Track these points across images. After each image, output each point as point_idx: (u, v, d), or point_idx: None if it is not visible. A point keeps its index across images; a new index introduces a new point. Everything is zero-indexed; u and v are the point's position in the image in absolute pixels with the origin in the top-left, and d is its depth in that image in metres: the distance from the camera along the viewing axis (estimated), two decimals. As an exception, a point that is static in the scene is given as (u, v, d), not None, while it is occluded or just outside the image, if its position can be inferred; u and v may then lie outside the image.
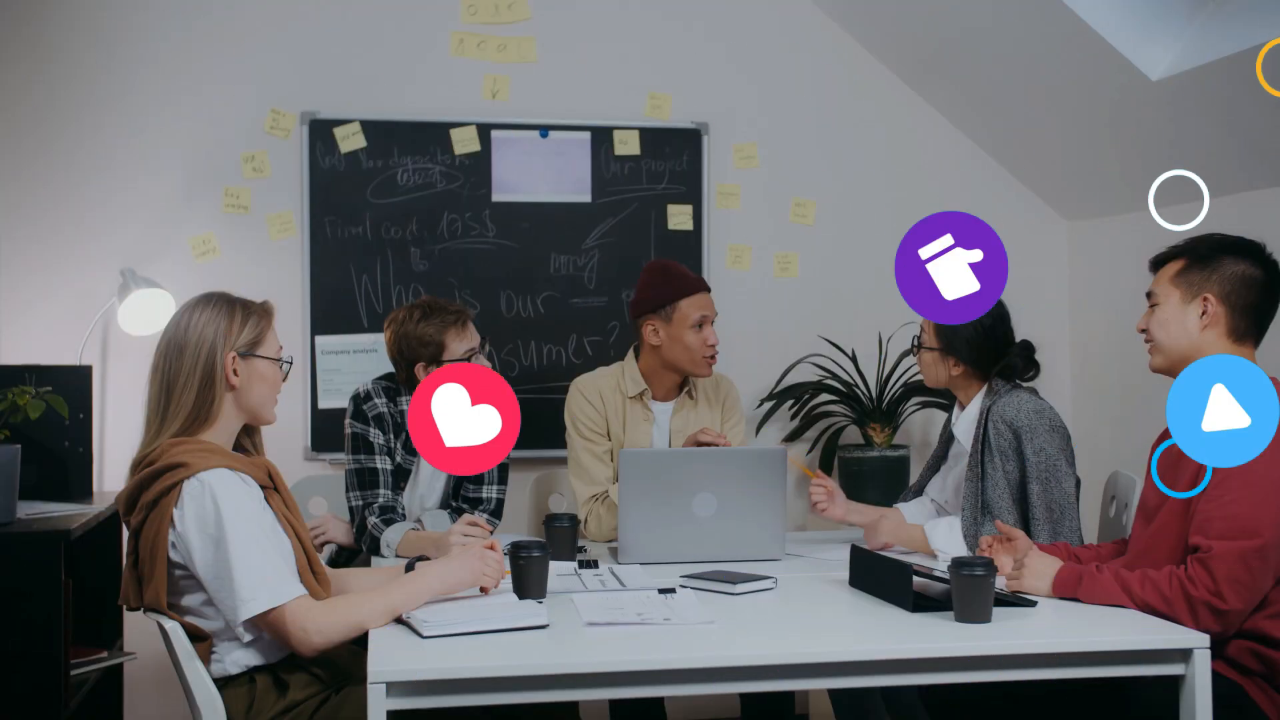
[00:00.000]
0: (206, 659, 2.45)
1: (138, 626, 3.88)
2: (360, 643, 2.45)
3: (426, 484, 3.51)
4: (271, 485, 2.57)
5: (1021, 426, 3.04)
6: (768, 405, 4.47)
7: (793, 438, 4.52)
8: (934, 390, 4.38)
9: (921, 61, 4.61)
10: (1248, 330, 2.64)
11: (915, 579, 2.52)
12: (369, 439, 3.38)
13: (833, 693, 3.34)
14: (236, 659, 2.47)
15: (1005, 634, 2.32)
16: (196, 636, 2.44)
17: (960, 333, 3.13)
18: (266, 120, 4.34)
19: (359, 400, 3.43)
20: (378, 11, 4.42)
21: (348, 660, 2.58)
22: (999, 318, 3.18)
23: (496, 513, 3.51)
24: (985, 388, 3.18)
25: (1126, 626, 2.37)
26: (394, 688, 2.12)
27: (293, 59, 4.37)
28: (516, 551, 2.58)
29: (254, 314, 2.59)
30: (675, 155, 4.56)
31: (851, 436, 4.51)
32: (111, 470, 4.13)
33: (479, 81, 4.49)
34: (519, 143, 4.47)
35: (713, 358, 3.51)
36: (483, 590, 2.58)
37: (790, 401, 4.48)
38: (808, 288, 4.69)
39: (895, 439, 4.45)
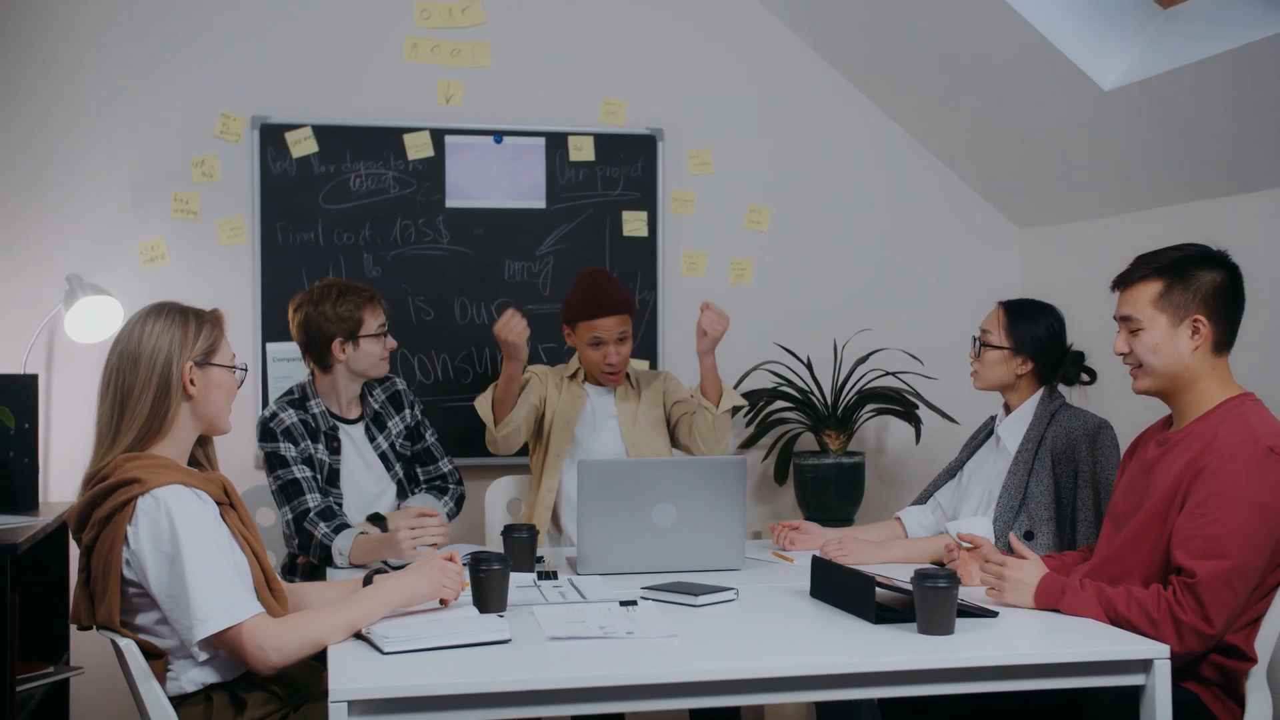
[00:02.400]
0: (162, 677, 2.40)
1: (84, 641, 3.80)
2: (319, 658, 2.42)
3: (361, 477, 3.55)
4: (227, 501, 2.52)
5: (1085, 438, 3.13)
6: (723, 412, 4.47)
7: (748, 444, 4.52)
8: (890, 397, 4.41)
9: (876, 69, 4.63)
10: (1226, 341, 2.65)
11: (878, 590, 2.52)
12: (280, 454, 3.40)
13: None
14: (193, 677, 2.43)
15: (968, 645, 2.33)
16: (151, 654, 2.40)
17: (1033, 332, 3.23)
18: (216, 124, 4.28)
19: (263, 423, 3.46)
20: (330, 15, 4.38)
21: (305, 676, 2.54)
22: (1061, 324, 3.30)
23: (460, 481, 3.66)
24: (1042, 392, 3.26)
25: (1088, 638, 2.39)
26: (355, 706, 2.09)
27: (243, 62, 4.31)
28: (476, 564, 2.55)
29: (207, 322, 2.56)
30: (630, 161, 4.54)
31: (807, 443, 4.51)
32: (58, 481, 4.05)
33: (433, 86, 4.45)
34: (473, 148, 4.44)
35: (612, 374, 3.72)
36: (443, 602, 2.55)
37: (745, 408, 4.48)
38: (763, 294, 4.69)
39: (850, 446, 4.45)
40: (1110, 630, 2.42)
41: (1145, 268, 2.68)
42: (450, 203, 4.43)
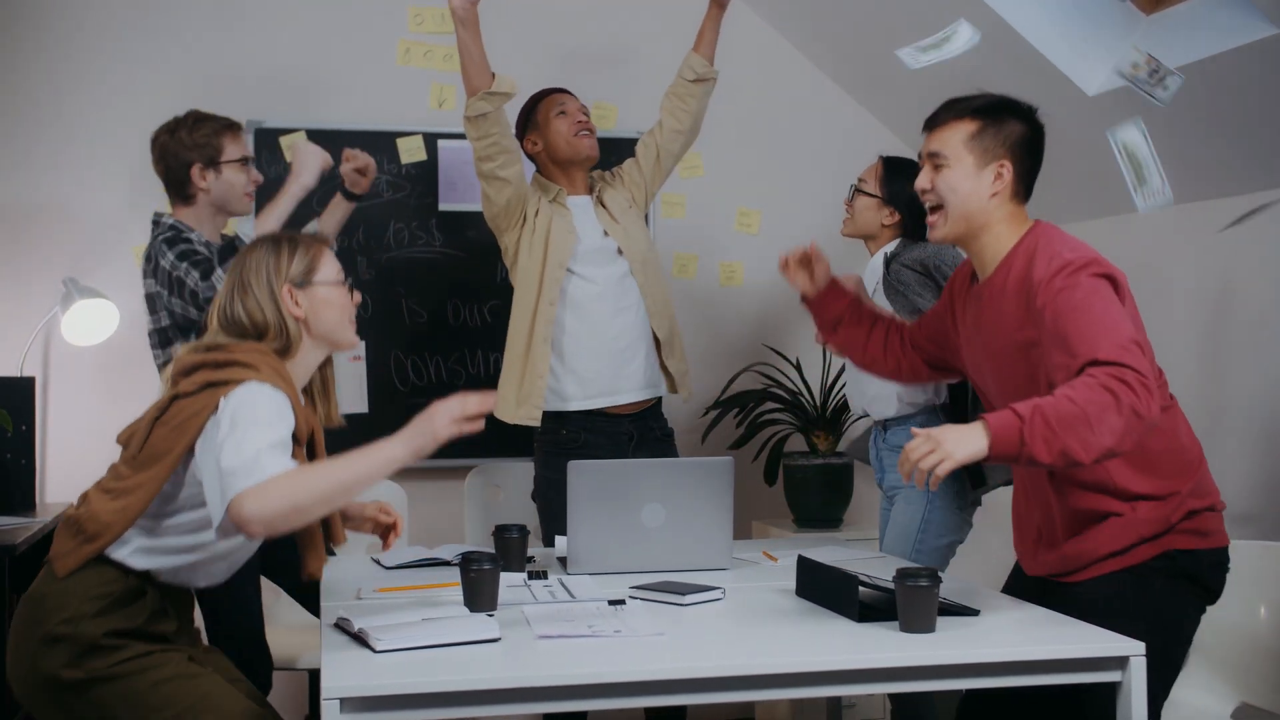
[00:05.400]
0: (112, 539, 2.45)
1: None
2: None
3: None
4: (304, 444, 2.55)
5: (928, 258, 3.35)
6: (713, 414, 4.51)
7: (738, 445, 4.56)
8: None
9: (864, 73, 4.67)
10: (1025, 191, 2.70)
11: (861, 589, 2.56)
12: (199, 251, 3.30)
13: (893, 697, 3.49)
14: (135, 555, 2.48)
15: (949, 644, 2.36)
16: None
17: (906, 189, 3.35)
18: (211, 129, 4.31)
19: (170, 239, 3.31)
20: (324, 20, 4.42)
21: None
22: None
23: None
24: (896, 241, 3.51)
25: (1066, 635, 2.43)
26: (347, 703, 2.12)
27: (238, 67, 4.35)
28: (468, 564, 2.59)
29: (301, 245, 2.63)
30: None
31: (796, 444, 4.56)
32: (55, 483, 4.10)
33: (426, 90, 4.49)
34: (466, 152, 4.43)
35: (586, 131, 3.82)
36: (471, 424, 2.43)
37: (735, 410, 4.53)
38: (753, 296, 4.74)
39: (839, 447, 4.50)
40: (1088, 628, 2.45)
41: (959, 109, 2.69)
42: (443, 206, 4.47)
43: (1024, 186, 2.70)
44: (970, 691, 2.72)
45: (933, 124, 2.73)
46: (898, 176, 3.50)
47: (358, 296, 3.16)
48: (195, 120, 3.43)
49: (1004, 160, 2.65)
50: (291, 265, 2.59)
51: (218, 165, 3.40)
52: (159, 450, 2.44)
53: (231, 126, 3.46)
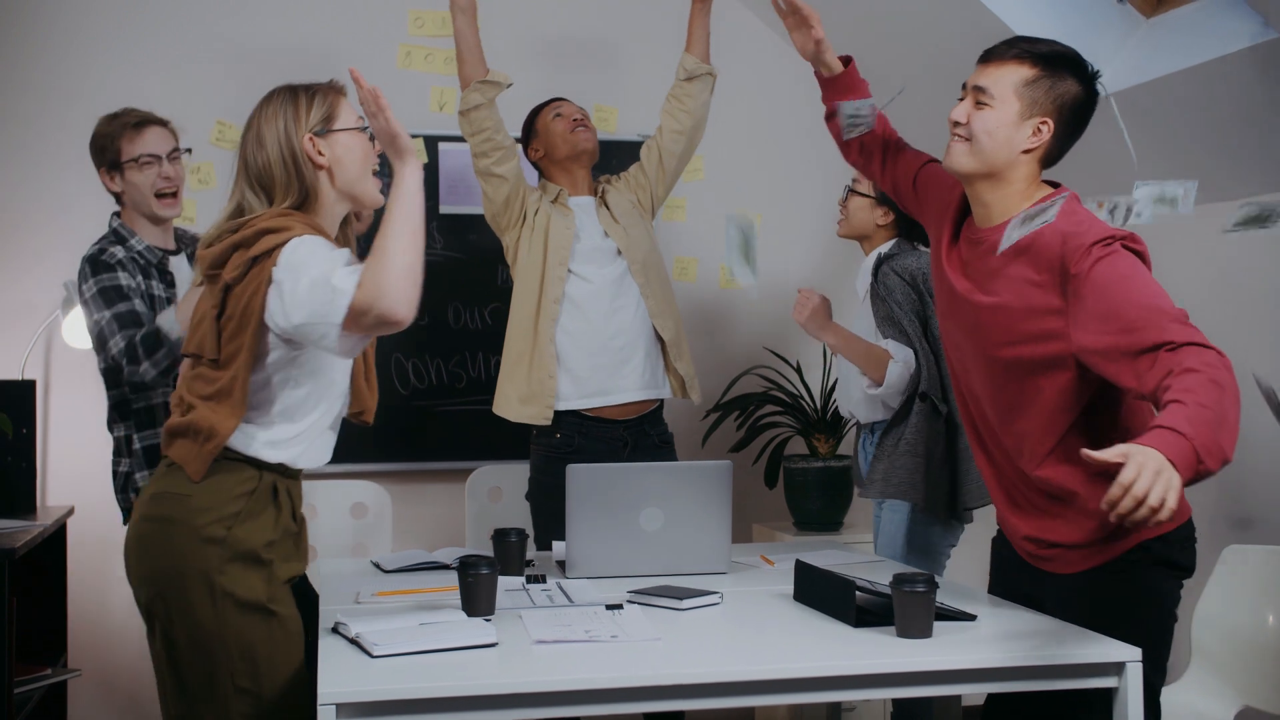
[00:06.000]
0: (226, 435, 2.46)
1: (81, 642, 3.86)
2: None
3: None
4: None
5: (918, 270, 3.38)
6: (714, 417, 4.51)
7: (738, 449, 4.56)
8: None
9: (865, 76, 4.66)
10: (1057, 155, 2.59)
11: (858, 594, 2.56)
12: (119, 283, 3.18)
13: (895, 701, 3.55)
14: (265, 448, 2.51)
15: (944, 649, 2.36)
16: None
17: None
18: (212, 132, 4.33)
19: (90, 259, 3.23)
20: (324, 24, 4.42)
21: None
22: None
23: None
24: (896, 239, 3.53)
25: (1062, 641, 2.43)
26: (344, 709, 2.13)
27: (238, 71, 4.35)
28: (465, 568, 2.59)
29: (319, 92, 2.59)
30: (621, 168, 4.54)
31: (796, 447, 4.56)
32: (55, 486, 4.10)
33: (426, 94, 4.50)
34: (466, 155, 4.43)
35: (582, 126, 3.87)
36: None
37: (736, 412, 4.53)
38: (753, 299, 4.73)
39: (839, 450, 4.50)
40: (1084, 633, 2.45)
41: (1021, 49, 2.55)
42: (444, 209, 4.48)
43: (1057, 151, 2.58)
44: (993, 695, 2.71)
45: (989, 57, 2.58)
46: None
47: (379, 147, 2.89)
48: (108, 120, 3.29)
49: (1047, 118, 2.52)
50: (310, 114, 2.54)
51: (119, 166, 3.26)
52: (238, 344, 2.44)
53: (139, 124, 3.27)
